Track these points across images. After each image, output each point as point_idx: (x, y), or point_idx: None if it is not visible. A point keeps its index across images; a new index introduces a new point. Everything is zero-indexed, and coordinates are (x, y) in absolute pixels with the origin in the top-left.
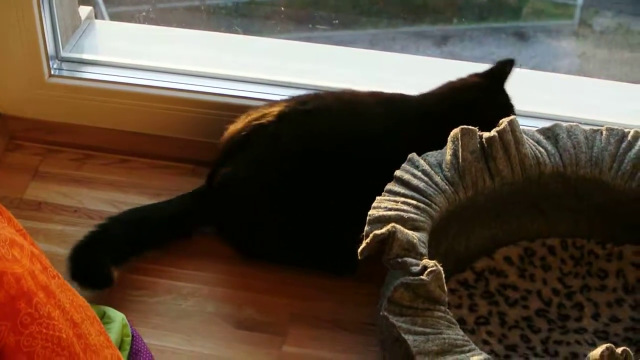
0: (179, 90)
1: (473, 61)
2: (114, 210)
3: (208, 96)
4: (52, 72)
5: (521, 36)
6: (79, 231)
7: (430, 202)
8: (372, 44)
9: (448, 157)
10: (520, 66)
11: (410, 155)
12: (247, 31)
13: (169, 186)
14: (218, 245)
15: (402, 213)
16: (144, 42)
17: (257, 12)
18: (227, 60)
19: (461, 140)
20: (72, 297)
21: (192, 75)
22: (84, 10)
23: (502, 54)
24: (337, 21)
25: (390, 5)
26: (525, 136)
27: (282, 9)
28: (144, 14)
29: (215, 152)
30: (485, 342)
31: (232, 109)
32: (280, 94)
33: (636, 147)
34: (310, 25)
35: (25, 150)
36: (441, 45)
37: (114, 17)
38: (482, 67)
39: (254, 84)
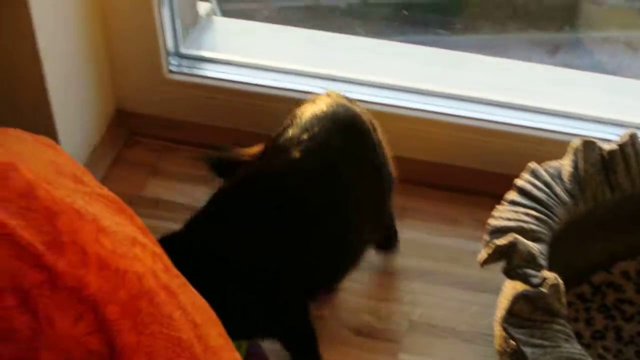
0: (297, 91)
1: (584, 69)
2: None
3: None
4: (171, 69)
5: (634, 46)
6: None
7: (550, 214)
8: (483, 50)
9: (569, 168)
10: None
11: (532, 166)
12: (360, 33)
13: None
14: None
15: (522, 224)
16: (263, 40)
17: (373, 13)
18: (347, 62)
19: (582, 152)
20: (194, 297)
21: (311, 77)
22: (203, 7)
23: (614, 63)
24: (458, 25)
25: (501, 11)
26: None
27: (395, 11)
28: (264, 12)
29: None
30: (601, 357)
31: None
32: (394, 98)
33: None
34: (421, 27)
35: (143, 147)
36: (553, 53)
37: (226, 14)
38: (590, 76)
39: (373, 87)
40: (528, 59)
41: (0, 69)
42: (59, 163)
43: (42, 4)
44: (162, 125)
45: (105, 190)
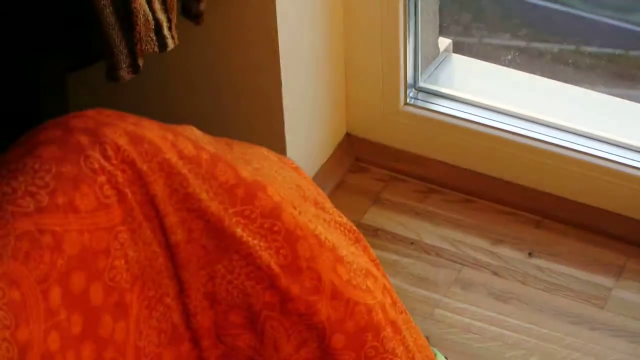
0: (529, 137)
1: None
2: (451, 249)
3: (556, 148)
4: (408, 101)
5: None
6: (413, 264)
7: None
8: None
9: None
10: None
11: None
12: (569, 80)
13: (511, 234)
14: (562, 303)
15: None
16: (497, 82)
17: (585, 61)
18: (579, 114)
19: None
20: (416, 335)
21: (542, 124)
22: (443, 42)
23: None
24: None
25: None
26: None
27: (607, 62)
28: (474, 48)
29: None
30: None
31: (589, 168)
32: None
33: None
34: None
35: (368, 174)
36: None
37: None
38: None
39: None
40: None
41: (242, 79)
42: (303, 187)
43: (289, 24)
44: (390, 155)
45: (344, 219)
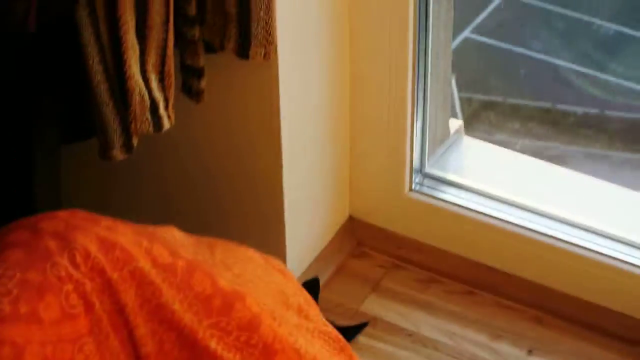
0: (534, 231)
1: None
2: (449, 343)
3: (561, 243)
4: (413, 187)
5: None
6: (409, 357)
7: None
8: None
9: None
10: None
11: None
12: (593, 145)
13: (511, 329)
14: None
15: None
16: (508, 170)
17: (610, 126)
18: (595, 210)
19: None
20: None
21: (557, 220)
22: (454, 124)
23: None
24: None
25: None
26: None
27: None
28: (499, 107)
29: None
30: None
31: (595, 266)
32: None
33: None
34: None
35: (370, 260)
36: None
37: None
38: None
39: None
40: None
41: (242, 159)
42: (287, 293)
43: (292, 104)
44: (393, 241)
45: (329, 328)
